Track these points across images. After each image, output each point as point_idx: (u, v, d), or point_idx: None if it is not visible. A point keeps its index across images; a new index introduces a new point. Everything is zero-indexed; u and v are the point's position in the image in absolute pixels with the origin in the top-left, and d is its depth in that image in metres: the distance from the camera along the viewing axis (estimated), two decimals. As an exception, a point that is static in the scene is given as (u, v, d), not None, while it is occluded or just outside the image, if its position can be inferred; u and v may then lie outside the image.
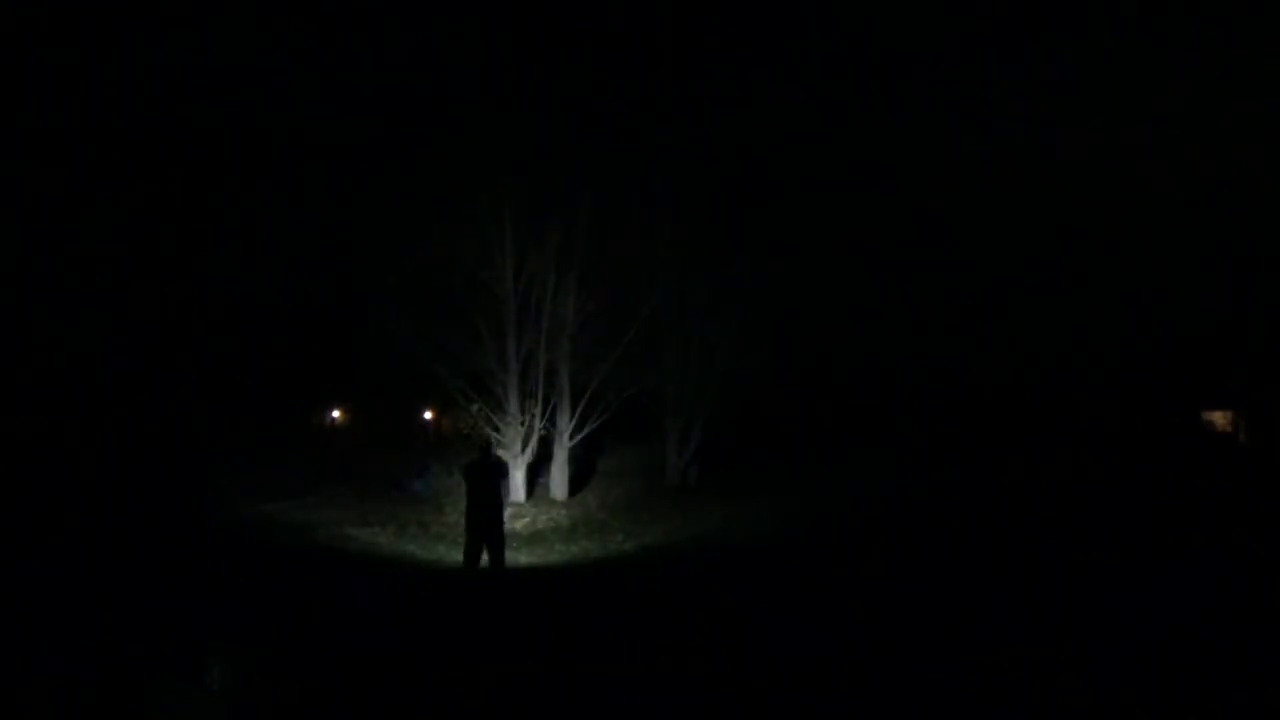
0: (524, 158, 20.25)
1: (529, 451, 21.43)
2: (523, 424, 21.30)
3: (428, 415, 34.94)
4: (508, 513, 19.73)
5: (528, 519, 19.06)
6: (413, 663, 7.71)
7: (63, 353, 22.56)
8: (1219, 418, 28.24)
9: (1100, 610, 9.04)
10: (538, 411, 21.35)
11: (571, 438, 22.10)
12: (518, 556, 14.72)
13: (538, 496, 21.66)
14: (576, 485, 22.78)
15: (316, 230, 22.53)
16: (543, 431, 21.58)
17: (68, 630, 7.95)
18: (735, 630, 9.10)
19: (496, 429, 21.24)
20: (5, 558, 11.31)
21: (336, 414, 36.60)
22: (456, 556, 13.44)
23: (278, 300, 24.64)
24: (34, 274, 21.88)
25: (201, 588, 10.27)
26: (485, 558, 12.23)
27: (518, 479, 21.30)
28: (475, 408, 21.31)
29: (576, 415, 22.07)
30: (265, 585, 10.86)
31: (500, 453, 21.24)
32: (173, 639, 7.68)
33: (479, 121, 20.05)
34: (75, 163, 22.49)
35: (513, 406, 21.23)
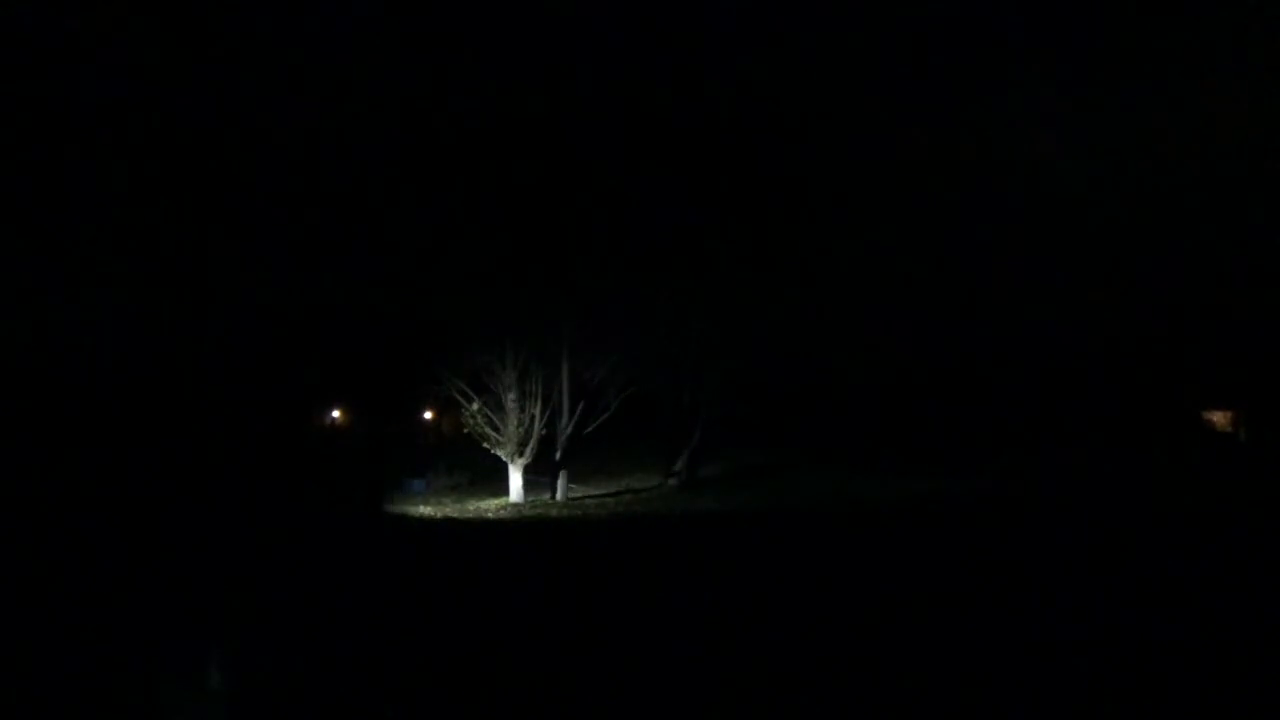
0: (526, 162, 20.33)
1: (528, 452, 21.37)
2: (522, 424, 21.26)
3: (428, 415, 34.93)
4: (508, 512, 19.82)
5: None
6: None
7: (75, 354, 22.59)
8: (1219, 418, 28.26)
9: (1099, 608, 9.03)
10: (537, 411, 21.30)
11: (571, 438, 22.04)
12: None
13: (538, 499, 21.53)
14: (576, 486, 22.72)
15: (319, 232, 22.58)
16: (543, 431, 21.53)
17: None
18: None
19: (496, 429, 21.21)
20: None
21: (336, 414, 36.57)
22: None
23: (279, 300, 24.66)
24: (38, 275, 21.90)
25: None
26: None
27: (516, 481, 21.22)
28: (475, 407, 21.27)
29: (576, 415, 22.01)
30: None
31: (498, 453, 21.34)
32: (175, 638, 7.67)
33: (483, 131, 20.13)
34: (82, 164, 22.52)
35: (512, 406, 21.19)
